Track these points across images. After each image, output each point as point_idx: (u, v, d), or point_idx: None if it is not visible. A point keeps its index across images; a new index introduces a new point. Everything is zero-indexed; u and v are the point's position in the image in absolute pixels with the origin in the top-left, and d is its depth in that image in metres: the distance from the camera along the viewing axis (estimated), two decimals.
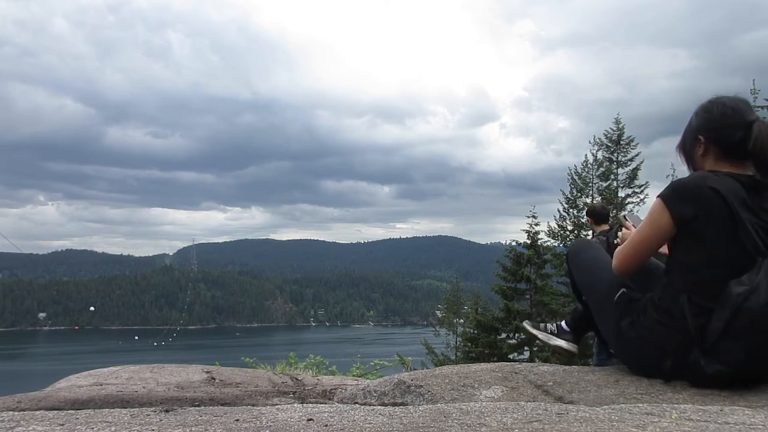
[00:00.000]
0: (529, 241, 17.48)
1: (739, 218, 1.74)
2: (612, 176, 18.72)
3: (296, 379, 3.19)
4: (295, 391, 2.66)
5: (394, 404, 1.98)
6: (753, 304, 1.63)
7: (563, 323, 2.60)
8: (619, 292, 2.08)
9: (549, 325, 2.66)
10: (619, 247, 2.06)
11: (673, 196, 1.84)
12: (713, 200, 1.77)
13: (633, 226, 2.27)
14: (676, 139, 2.09)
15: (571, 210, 18.94)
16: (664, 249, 1.99)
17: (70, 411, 1.58)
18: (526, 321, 2.80)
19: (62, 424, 1.30)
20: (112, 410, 1.53)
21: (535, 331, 2.66)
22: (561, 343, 2.57)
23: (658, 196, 1.88)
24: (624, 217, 2.42)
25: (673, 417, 1.45)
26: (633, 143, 18.50)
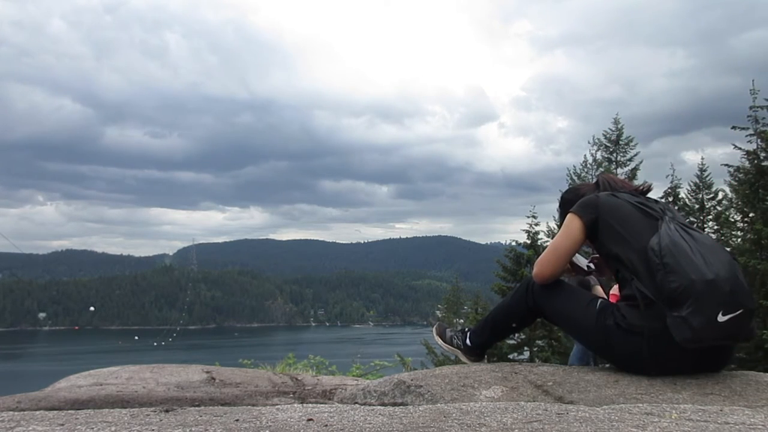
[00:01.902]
0: (529, 241, 17.46)
1: (632, 202, 2.23)
2: None
3: (296, 379, 3.19)
4: (295, 391, 2.66)
5: (394, 404, 1.99)
6: (666, 240, 2.00)
7: (468, 339, 2.58)
8: (599, 302, 2.22)
9: (455, 339, 2.63)
10: (539, 256, 2.38)
11: (578, 207, 2.30)
12: (609, 199, 2.27)
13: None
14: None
15: None
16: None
17: (70, 411, 1.58)
18: (436, 326, 2.78)
19: (62, 424, 1.30)
20: (112, 410, 1.53)
21: (441, 342, 2.69)
22: (466, 361, 2.59)
23: (569, 211, 2.32)
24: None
25: (673, 417, 1.45)
26: (632, 143, 18.49)
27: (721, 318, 1.89)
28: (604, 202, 2.26)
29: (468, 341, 2.58)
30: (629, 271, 2.12)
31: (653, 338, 2.00)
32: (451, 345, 2.64)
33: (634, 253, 2.11)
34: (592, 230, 2.27)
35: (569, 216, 2.32)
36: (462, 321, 23.04)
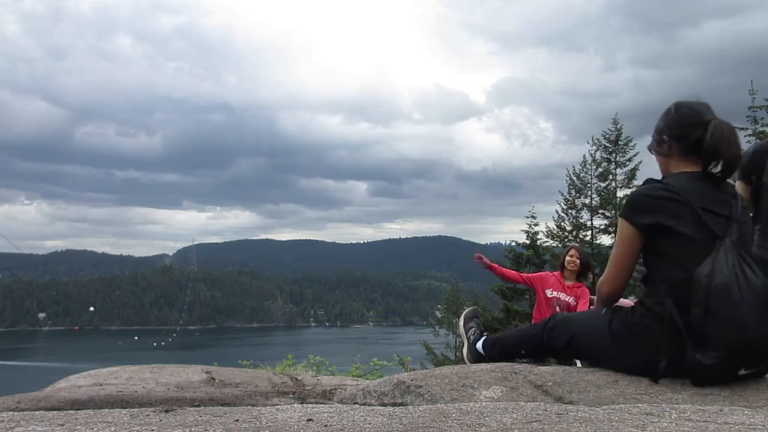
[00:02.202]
0: (528, 242, 17.50)
1: (695, 212, 1.92)
2: (610, 176, 18.73)
3: (296, 379, 3.19)
4: (295, 392, 2.66)
5: (394, 404, 1.98)
6: (718, 279, 1.80)
7: (480, 343, 2.56)
8: (609, 314, 2.15)
9: (472, 335, 2.64)
10: (603, 275, 2.19)
11: (631, 210, 2.03)
12: (667, 202, 1.96)
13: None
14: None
15: (570, 210, 18.94)
16: None
17: (69, 411, 1.58)
18: (470, 310, 2.82)
19: (62, 425, 1.30)
20: (111, 410, 1.53)
21: (461, 324, 2.74)
22: (466, 355, 2.62)
23: (620, 216, 2.09)
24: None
25: (672, 417, 1.45)
26: (631, 143, 18.53)
27: (742, 372, 1.87)
28: (662, 208, 1.97)
29: (480, 346, 2.58)
30: (666, 287, 1.95)
31: (666, 351, 1.92)
32: (466, 335, 2.68)
33: (678, 273, 1.91)
34: (650, 232, 2.00)
35: (621, 222, 2.07)
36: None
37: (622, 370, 2.13)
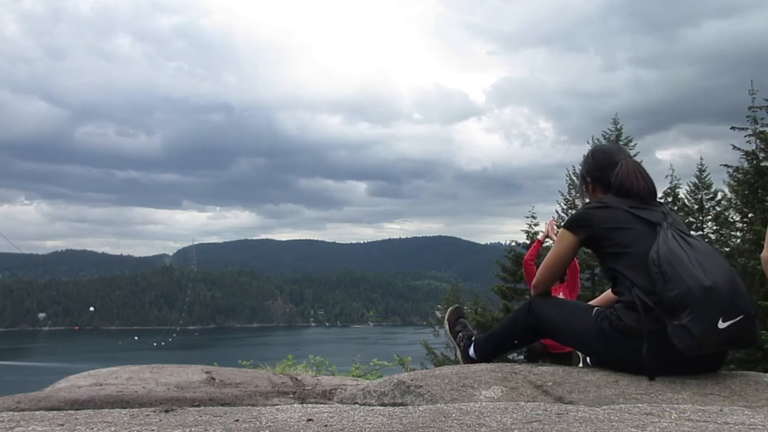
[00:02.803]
0: (528, 242, 17.47)
1: (627, 212, 2.21)
2: None
3: (296, 379, 3.19)
4: (295, 392, 2.66)
5: (394, 404, 1.98)
6: (665, 249, 2.02)
7: (471, 349, 2.58)
8: (595, 309, 2.25)
9: (461, 340, 2.65)
10: (538, 271, 2.46)
11: (573, 225, 2.33)
12: (601, 210, 2.26)
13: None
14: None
15: (570, 211, 18.93)
16: None
17: (69, 411, 1.58)
18: (453, 310, 2.84)
19: (62, 425, 1.30)
20: (111, 410, 1.53)
21: (447, 329, 2.77)
22: (460, 359, 2.63)
23: (562, 227, 2.39)
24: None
25: (672, 417, 1.45)
26: (631, 143, 18.49)
27: (721, 324, 1.90)
28: (598, 217, 2.25)
29: (472, 351, 2.58)
30: (628, 279, 2.13)
31: (650, 340, 2.00)
32: (455, 339, 2.69)
33: (633, 263, 2.12)
34: (590, 245, 2.30)
35: (562, 232, 2.36)
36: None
37: (611, 363, 2.19)
